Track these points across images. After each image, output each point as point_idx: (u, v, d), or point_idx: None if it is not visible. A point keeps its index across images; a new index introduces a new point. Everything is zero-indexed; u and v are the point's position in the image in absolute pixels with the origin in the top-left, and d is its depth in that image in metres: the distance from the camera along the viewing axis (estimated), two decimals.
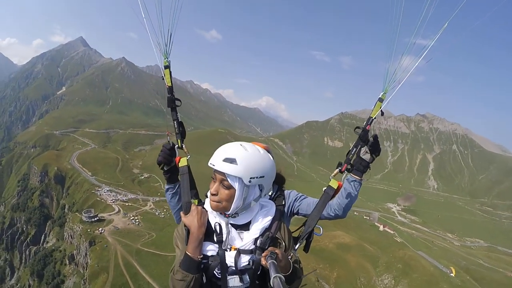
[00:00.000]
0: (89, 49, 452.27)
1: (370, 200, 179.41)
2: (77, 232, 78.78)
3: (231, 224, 2.06)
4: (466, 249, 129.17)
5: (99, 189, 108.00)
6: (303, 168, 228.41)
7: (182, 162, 2.59)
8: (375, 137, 2.60)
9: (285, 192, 2.92)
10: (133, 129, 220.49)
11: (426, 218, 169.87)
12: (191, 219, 2.04)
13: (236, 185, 1.92)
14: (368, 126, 2.59)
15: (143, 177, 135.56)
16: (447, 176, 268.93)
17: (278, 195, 2.85)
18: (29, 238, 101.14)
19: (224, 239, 2.01)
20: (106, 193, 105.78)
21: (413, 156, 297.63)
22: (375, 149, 2.63)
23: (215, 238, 2.02)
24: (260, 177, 1.94)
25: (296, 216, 2.97)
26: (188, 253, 1.95)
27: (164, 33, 2.60)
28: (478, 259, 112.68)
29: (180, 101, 2.80)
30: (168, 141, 2.67)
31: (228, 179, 1.92)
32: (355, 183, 2.65)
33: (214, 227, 2.04)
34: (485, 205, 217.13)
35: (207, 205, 2.12)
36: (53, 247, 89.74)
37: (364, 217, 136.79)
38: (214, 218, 2.08)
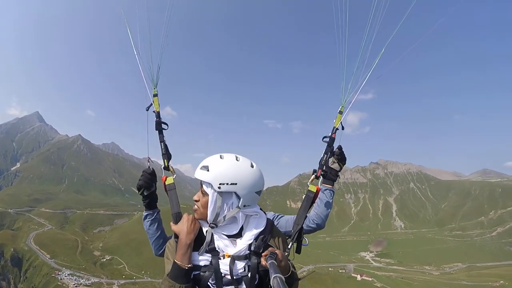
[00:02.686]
0: (45, 125, 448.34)
1: (342, 253, 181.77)
2: None
3: (222, 233, 2.04)
4: (446, 276, 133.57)
5: (59, 273, 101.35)
6: None
7: (169, 181, 2.67)
8: (340, 147, 2.97)
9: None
10: (91, 209, 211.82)
11: (400, 258, 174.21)
12: (180, 226, 2.04)
13: (209, 191, 1.97)
14: (334, 134, 2.93)
15: (105, 260, 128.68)
16: (411, 214, 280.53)
17: None
18: None
19: (214, 246, 2.01)
20: (67, 277, 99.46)
21: (375, 202, 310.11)
22: (342, 159, 2.98)
23: (207, 248, 2.01)
24: (232, 183, 1.92)
25: None
26: (176, 261, 1.92)
27: (153, 66, 3.00)
28: (461, 281, 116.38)
29: (167, 124, 2.99)
30: (149, 167, 2.81)
31: (203, 186, 2.01)
32: (328, 191, 2.92)
33: (206, 236, 2.04)
34: (454, 230, 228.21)
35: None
36: None
37: (340, 270, 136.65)
38: (205, 227, 2.09)
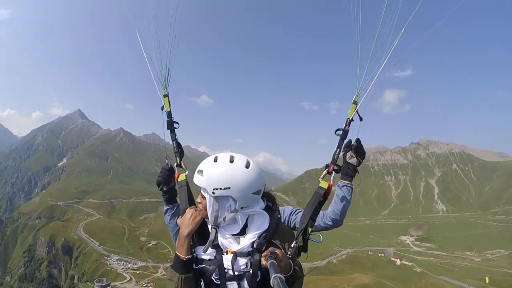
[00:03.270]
0: (87, 121, 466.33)
1: (382, 237, 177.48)
2: None
3: (226, 233, 2.09)
4: (488, 262, 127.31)
5: (108, 259, 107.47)
6: None
7: (181, 177, 2.76)
8: (358, 140, 2.73)
9: (280, 208, 3.02)
10: (136, 197, 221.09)
11: (442, 242, 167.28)
12: (182, 219, 2.11)
13: (206, 195, 2.01)
14: (347, 126, 2.73)
15: (151, 245, 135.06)
16: (454, 196, 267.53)
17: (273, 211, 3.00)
18: None
19: (219, 242, 2.06)
20: (116, 262, 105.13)
21: (416, 184, 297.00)
22: (360, 152, 2.75)
23: (211, 244, 2.05)
24: (225, 188, 1.92)
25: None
26: (176, 252, 2.00)
27: (163, 69, 3.11)
28: (502, 268, 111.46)
29: (178, 123, 3.12)
30: (167, 163, 2.91)
31: (201, 190, 2.04)
32: (346, 187, 2.75)
33: (211, 232, 2.08)
34: (497, 215, 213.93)
35: None
36: None
37: (379, 254, 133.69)
38: (210, 225, 2.13)
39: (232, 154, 2.05)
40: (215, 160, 2.01)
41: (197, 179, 2.00)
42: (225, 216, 2.03)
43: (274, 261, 1.77)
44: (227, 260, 1.99)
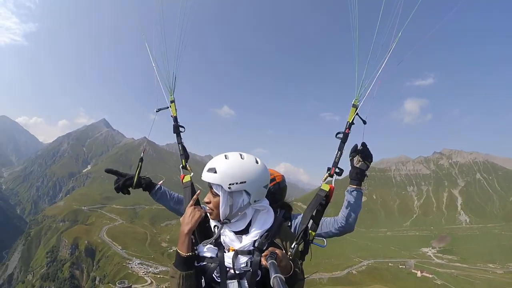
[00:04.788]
0: (112, 130, 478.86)
1: (403, 248, 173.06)
2: None
3: (230, 230, 2.10)
4: (510, 275, 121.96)
5: (130, 262, 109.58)
6: None
7: (186, 179, 2.83)
8: (364, 144, 2.72)
9: (292, 215, 3.11)
10: (158, 205, 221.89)
11: (465, 254, 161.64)
12: (183, 217, 2.12)
13: (219, 192, 2.01)
14: (347, 130, 2.72)
15: (172, 250, 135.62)
16: (477, 207, 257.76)
17: (284, 218, 2.99)
18: None
19: (220, 241, 2.08)
20: (137, 266, 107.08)
21: (439, 195, 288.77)
22: (367, 156, 2.74)
23: (213, 242, 2.07)
24: (241, 182, 1.98)
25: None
26: (177, 250, 2.02)
27: (170, 76, 3.22)
28: None
29: (184, 127, 3.23)
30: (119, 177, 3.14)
31: (213, 187, 2.04)
32: (356, 192, 2.75)
33: (213, 231, 2.13)
34: None
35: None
36: None
37: (400, 266, 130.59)
38: (214, 222, 2.17)
39: (240, 152, 2.12)
40: (226, 158, 2.05)
41: (209, 177, 2.00)
42: (237, 211, 2.06)
43: (274, 261, 1.77)
44: (228, 258, 2.00)
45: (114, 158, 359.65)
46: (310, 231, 2.56)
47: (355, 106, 2.73)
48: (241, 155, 2.09)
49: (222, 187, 1.99)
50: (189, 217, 2.09)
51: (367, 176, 2.77)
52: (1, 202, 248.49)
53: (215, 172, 1.99)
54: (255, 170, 2.04)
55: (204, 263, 2.06)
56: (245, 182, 1.99)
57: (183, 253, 1.99)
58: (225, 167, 2.00)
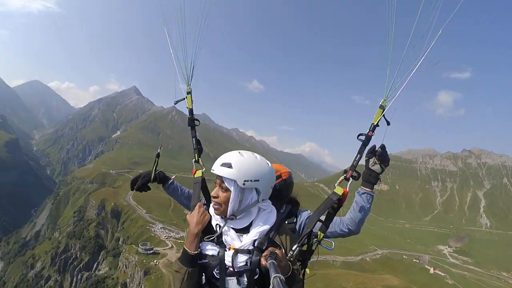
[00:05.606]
0: (142, 98, 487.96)
1: (419, 243, 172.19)
2: (132, 262, 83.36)
3: (232, 227, 2.14)
4: None
5: (153, 226, 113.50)
6: None
7: (198, 174, 2.89)
8: (383, 146, 2.62)
9: (298, 211, 3.09)
10: (183, 172, 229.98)
11: (480, 258, 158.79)
12: (191, 217, 2.18)
13: (232, 188, 2.03)
14: (371, 132, 2.59)
15: None
16: (500, 212, 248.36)
17: (289, 214, 3.06)
18: (82, 264, 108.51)
19: (223, 239, 2.12)
20: (160, 229, 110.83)
21: (463, 194, 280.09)
22: (384, 159, 2.64)
23: (215, 240, 2.12)
24: (255, 180, 2.02)
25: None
26: (185, 247, 2.08)
27: (188, 66, 3.13)
28: None
29: (198, 121, 3.29)
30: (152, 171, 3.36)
31: (225, 182, 2.05)
32: (367, 195, 2.66)
33: (216, 229, 2.16)
34: None
35: (212, 210, 2.23)
36: (105, 275, 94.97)
37: (414, 260, 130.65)
38: (216, 221, 2.20)
39: (252, 152, 2.17)
40: (241, 155, 2.09)
41: (224, 171, 2.02)
42: (245, 208, 2.10)
43: (274, 261, 1.78)
44: (228, 256, 2.04)
45: (143, 125, 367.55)
46: (319, 231, 2.56)
47: (382, 108, 2.59)
48: (254, 154, 2.14)
49: (236, 182, 2.01)
50: (200, 217, 2.15)
51: (380, 180, 2.68)
52: (32, 163, 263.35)
53: (230, 167, 2.01)
54: (267, 171, 2.11)
55: (206, 260, 2.10)
56: (258, 180, 2.04)
57: (192, 251, 2.05)
58: (241, 163, 2.03)
